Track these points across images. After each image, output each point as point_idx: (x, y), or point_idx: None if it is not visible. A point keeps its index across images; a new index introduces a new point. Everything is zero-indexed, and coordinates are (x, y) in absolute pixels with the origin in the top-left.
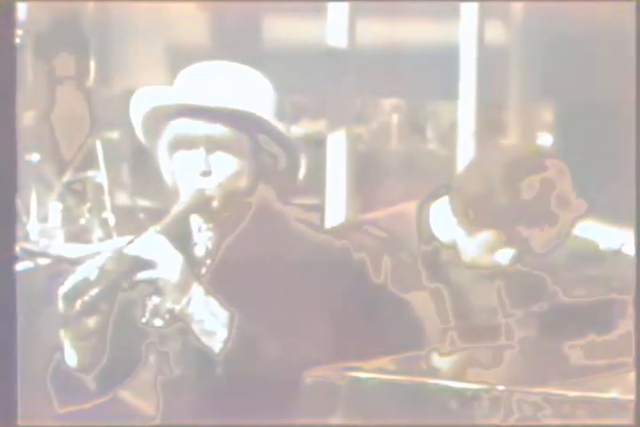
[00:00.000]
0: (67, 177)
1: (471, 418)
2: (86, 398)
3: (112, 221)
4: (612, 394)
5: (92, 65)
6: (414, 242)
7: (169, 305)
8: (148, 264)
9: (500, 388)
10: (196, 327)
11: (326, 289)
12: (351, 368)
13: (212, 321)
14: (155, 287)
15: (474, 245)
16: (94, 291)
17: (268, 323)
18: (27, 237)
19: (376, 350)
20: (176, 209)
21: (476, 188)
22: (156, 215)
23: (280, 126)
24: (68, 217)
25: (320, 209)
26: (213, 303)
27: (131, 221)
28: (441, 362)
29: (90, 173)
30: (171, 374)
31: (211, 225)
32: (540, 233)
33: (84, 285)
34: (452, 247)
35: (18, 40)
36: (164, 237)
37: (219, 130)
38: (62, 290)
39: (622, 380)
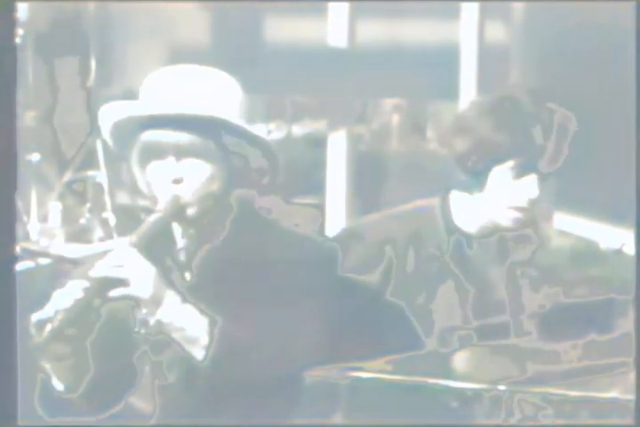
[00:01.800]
0: (67, 177)
1: (472, 418)
2: (82, 417)
3: (112, 220)
4: (612, 394)
5: (93, 65)
6: (441, 235)
7: (144, 317)
8: (119, 282)
9: (501, 388)
10: (177, 336)
11: (311, 287)
12: (351, 368)
13: (192, 328)
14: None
15: (497, 182)
16: (63, 317)
17: (255, 324)
18: (27, 237)
19: (367, 351)
20: (152, 218)
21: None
22: None
23: (245, 125)
24: (69, 217)
25: (320, 208)
26: (192, 311)
27: (131, 221)
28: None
29: (90, 173)
30: (165, 381)
31: (192, 231)
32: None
33: (54, 311)
34: (476, 237)
35: (18, 40)
36: (136, 250)
37: (184, 137)
38: (35, 317)
39: (622, 380)
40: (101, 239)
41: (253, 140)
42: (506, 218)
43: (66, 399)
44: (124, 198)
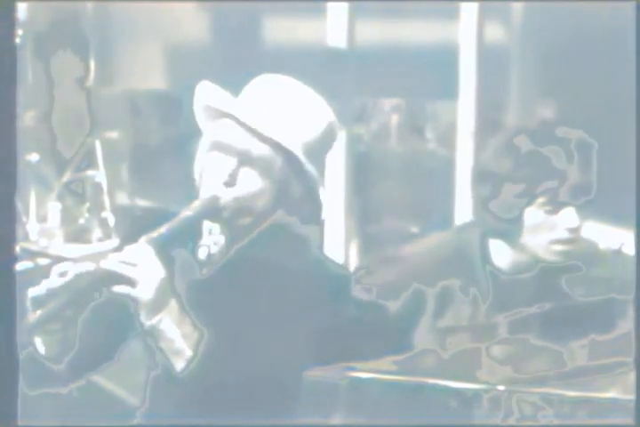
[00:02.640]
0: (66, 177)
1: (471, 418)
2: (57, 383)
3: (111, 220)
4: (612, 394)
5: (92, 65)
6: (476, 266)
7: (141, 320)
8: (125, 280)
9: (500, 388)
10: (164, 345)
11: (318, 314)
12: (351, 368)
13: (180, 341)
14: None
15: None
16: (60, 301)
17: (254, 327)
18: (26, 237)
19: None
20: (184, 214)
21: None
22: (155, 215)
23: (310, 168)
24: (68, 217)
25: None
26: (186, 322)
27: (130, 221)
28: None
29: (89, 173)
30: (155, 367)
31: (223, 229)
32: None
33: (54, 292)
34: (516, 274)
35: (18, 40)
36: (154, 247)
37: (256, 148)
38: (32, 293)
39: (622, 380)
40: (101, 239)
41: (310, 183)
42: (551, 253)
43: (46, 367)
44: (123, 198)
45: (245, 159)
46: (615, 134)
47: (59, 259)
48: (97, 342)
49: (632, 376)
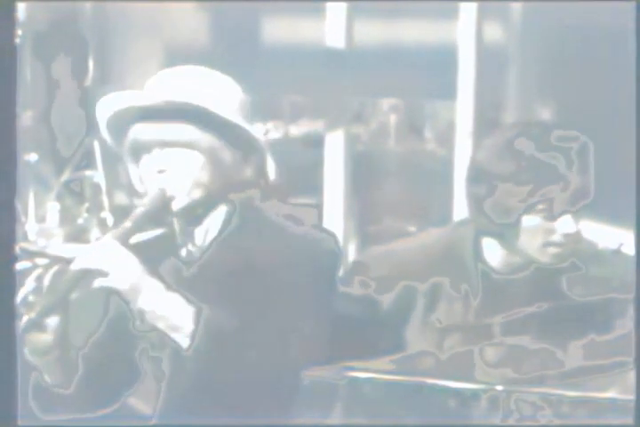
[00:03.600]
0: (65, 177)
1: (470, 418)
2: (74, 413)
3: (110, 220)
4: (612, 394)
5: (91, 65)
6: (468, 263)
7: (130, 308)
8: (98, 274)
9: (499, 388)
10: (160, 324)
11: (306, 285)
12: (349, 368)
13: (175, 317)
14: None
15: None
16: (41, 307)
17: (249, 321)
18: (25, 237)
19: (354, 349)
20: (137, 211)
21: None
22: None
23: (225, 114)
24: (67, 217)
25: (318, 209)
26: (176, 299)
27: None
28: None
29: (88, 173)
30: (163, 378)
31: (191, 227)
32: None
33: (33, 300)
34: (509, 274)
35: (17, 40)
36: (118, 243)
37: (167, 127)
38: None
39: (622, 380)
40: (99, 239)
41: (234, 130)
42: (545, 255)
43: (59, 395)
44: (121, 198)
45: (163, 141)
46: (615, 134)
47: (57, 259)
48: (111, 363)
49: (632, 376)
